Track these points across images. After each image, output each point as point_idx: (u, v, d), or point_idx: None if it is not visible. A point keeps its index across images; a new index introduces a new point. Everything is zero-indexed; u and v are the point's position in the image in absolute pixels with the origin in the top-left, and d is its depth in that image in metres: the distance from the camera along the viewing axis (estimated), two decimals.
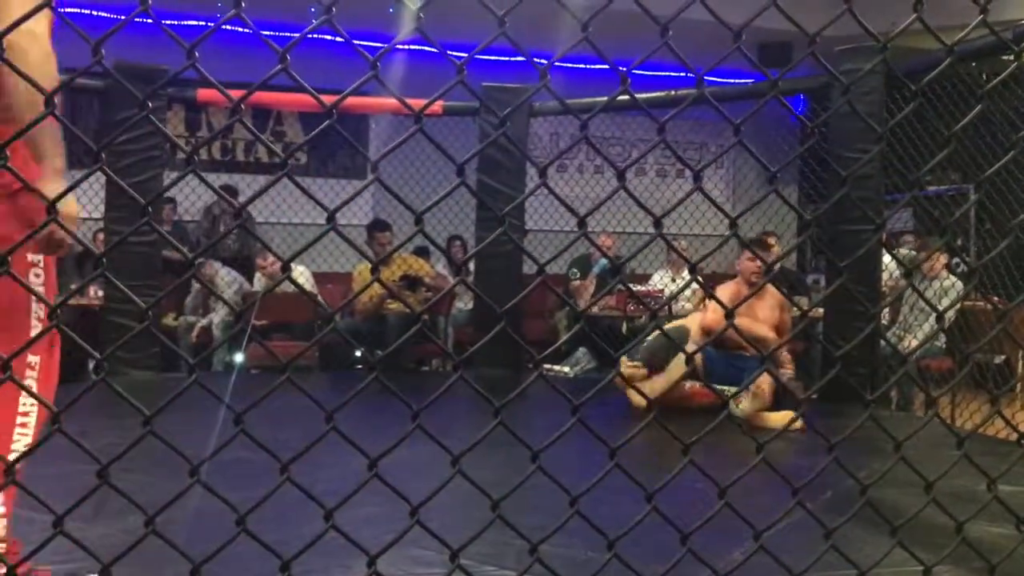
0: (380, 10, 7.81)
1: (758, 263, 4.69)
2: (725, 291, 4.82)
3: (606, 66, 1.20)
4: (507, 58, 8.80)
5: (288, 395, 1.20)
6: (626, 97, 1.31)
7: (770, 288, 4.77)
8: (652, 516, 1.31)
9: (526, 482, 1.29)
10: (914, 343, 5.63)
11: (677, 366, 4.62)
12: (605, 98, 1.35)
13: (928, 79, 1.38)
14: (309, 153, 9.12)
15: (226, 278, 6.93)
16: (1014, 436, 4.34)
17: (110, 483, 1.02)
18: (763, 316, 4.70)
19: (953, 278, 6.06)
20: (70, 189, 1.12)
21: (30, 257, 1.86)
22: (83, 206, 6.47)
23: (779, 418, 4.42)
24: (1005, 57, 4.69)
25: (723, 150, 10.19)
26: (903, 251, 6.54)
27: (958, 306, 5.54)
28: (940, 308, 5.68)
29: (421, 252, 7.20)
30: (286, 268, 1.07)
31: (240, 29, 8.56)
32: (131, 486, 1.12)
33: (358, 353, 6.32)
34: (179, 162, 8.43)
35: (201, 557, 1.14)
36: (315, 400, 1.15)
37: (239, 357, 6.08)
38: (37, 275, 1.88)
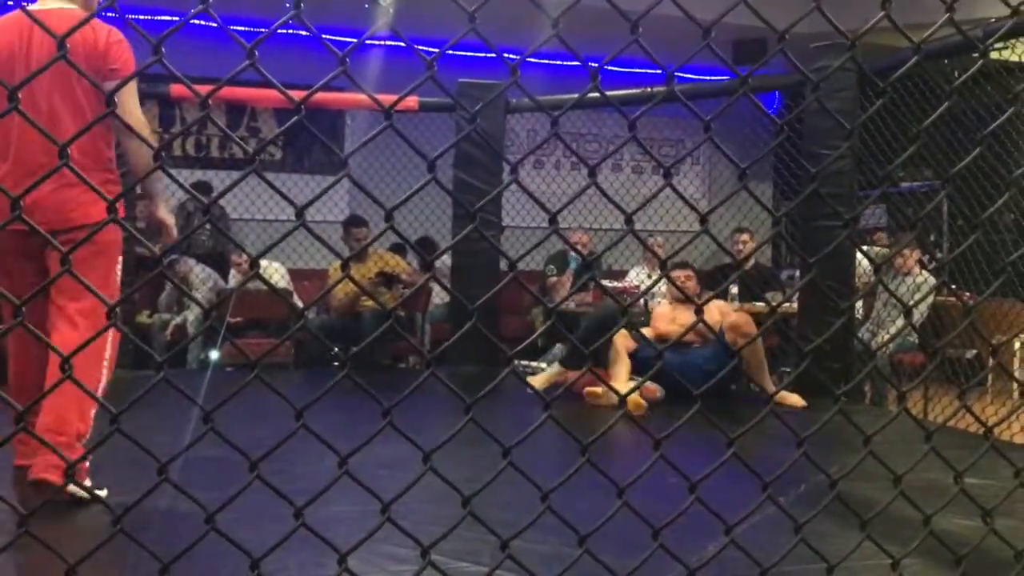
0: (356, 5, 7.78)
1: (680, 279, 5.32)
2: (659, 310, 5.47)
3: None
4: (487, 55, 8.80)
5: (265, 393, 1.19)
6: (598, 94, 1.31)
7: (703, 299, 5.04)
8: (625, 511, 1.32)
9: (501, 478, 1.29)
10: (887, 338, 5.69)
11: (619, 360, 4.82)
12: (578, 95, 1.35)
13: (896, 76, 1.40)
14: (284, 148, 9.06)
15: (200, 275, 6.87)
16: (982, 428, 4.39)
17: (77, 482, 1.01)
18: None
19: (926, 274, 6.11)
20: (39, 182, 1.11)
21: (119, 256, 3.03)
22: None
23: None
24: (977, 55, 4.73)
25: (693, 147, 10.21)
26: (876, 249, 6.59)
27: (930, 302, 5.61)
28: (902, 300, 5.76)
29: (398, 248, 7.17)
30: (255, 265, 1.07)
31: (215, 25, 8.47)
32: (101, 485, 1.11)
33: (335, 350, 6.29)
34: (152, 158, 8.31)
35: (171, 556, 1.13)
36: (285, 398, 1.15)
37: (214, 355, 6.04)
38: (119, 269, 3.03)
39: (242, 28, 7.50)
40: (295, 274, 7.43)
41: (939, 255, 7.21)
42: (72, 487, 2.07)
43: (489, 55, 8.81)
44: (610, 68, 1.24)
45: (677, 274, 5.36)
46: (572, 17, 1.22)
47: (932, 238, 7.51)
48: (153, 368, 6.24)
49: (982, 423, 1.64)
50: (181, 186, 1.15)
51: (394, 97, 1.20)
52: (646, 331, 5.07)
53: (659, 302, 6.08)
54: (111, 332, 2.71)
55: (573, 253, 7.32)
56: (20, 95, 0.87)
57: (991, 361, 5.69)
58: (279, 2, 7.92)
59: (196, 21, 1.08)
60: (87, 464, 2.58)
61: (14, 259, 2.81)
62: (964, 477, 1.61)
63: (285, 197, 1.11)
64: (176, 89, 6.27)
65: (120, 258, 3.01)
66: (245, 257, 6.77)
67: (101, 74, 2.75)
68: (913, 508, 1.56)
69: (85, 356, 2.13)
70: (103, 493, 2.51)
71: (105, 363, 2.86)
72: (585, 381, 4.76)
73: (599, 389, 4.64)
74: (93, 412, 2.70)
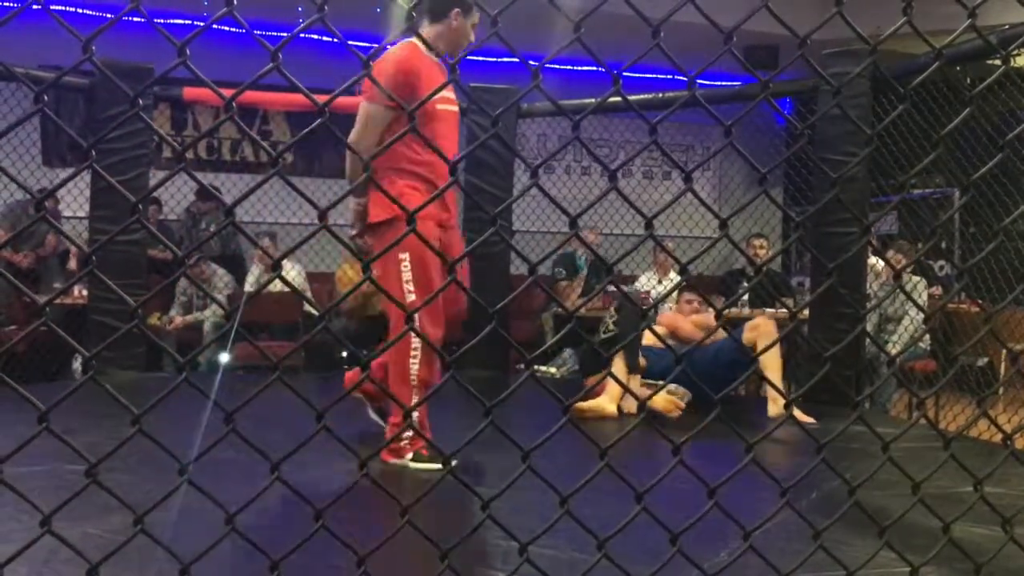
0: (366, 10, 7.80)
1: (694, 305, 5.33)
2: (664, 318, 5.38)
3: (594, 68, 1.21)
4: (493, 59, 8.81)
5: (271, 396, 1.19)
6: (616, 99, 1.31)
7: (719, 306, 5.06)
8: (626, 515, 1.31)
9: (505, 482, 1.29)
10: (890, 348, 5.67)
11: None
12: (593, 99, 1.36)
13: (917, 82, 1.39)
14: (295, 153, 9.09)
15: (224, 278, 6.92)
16: (994, 437, 4.35)
17: (99, 482, 1.02)
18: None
19: (916, 278, 6.09)
20: (56, 188, 1.11)
21: (399, 255, 3.23)
22: (67, 204, 6.44)
23: (662, 401, 4.47)
24: (989, 61, 4.73)
25: (712, 152, 10.18)
26: (871, 261, 6.57)
27: (924, 302, 5.60)
28: (907, 309, 5.75)
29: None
30: (277, 267, 1.07)
31: (226, 28, 8.54)
32: (115, 485, 1.11)
33: (344, 353, 6.30)
34: (165, 161, 8.37)
35: (185, 556, 1.13)
36: (306, 400, 1.15)
37: (224, 357, 6.06)
38: (405, 267, 3.24)
39: (254, 32, 7.50)
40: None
41: (951, 261, 7.19)
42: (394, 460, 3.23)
43: (495, 59, 8.83)
44: (620, 74, 1.24)
45: (690, 298, 5.42)
46: (586, 22, 1.22)
47: (944, 245, 7.49)
48: (165, 370, 6.28)
49: (1002, 431, 1.63)
50: (205, 188, 1.15)
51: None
52: (658, 329, 5.05)
53: (670, 307, 6.09)
54: (425, 326, 3.19)
55: (581, 256, 7.31)
56: None
57: (1004, 368, 5.67)
58: (291, 7, 7.96)
59: (199, 23, 1.08)
60: (402, 441, 3.21)
61: None
62: (973, 485, 1.60)
63: (309, 201, 1.12)
64: (189, 92, 6.29)
65: (402, 256, 3.25)
66: (269, 244, 6.80)
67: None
68: (925, 516, 1.55)
69: (396, 349, 3.23)
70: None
71: (414, 353, 3.23)
72: (599, 389, 4.73)
73: (585, 405, 4.59)
74: (411, 393, 3.20)
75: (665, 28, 1.23)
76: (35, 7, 0.94)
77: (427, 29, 3.36)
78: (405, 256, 3.23)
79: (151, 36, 1.11)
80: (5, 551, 1.19)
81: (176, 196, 7.44)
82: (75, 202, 6.31)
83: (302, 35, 1.11)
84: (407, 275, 3.23)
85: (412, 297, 3.22)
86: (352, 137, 3.29)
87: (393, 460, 3.22)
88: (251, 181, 8.49)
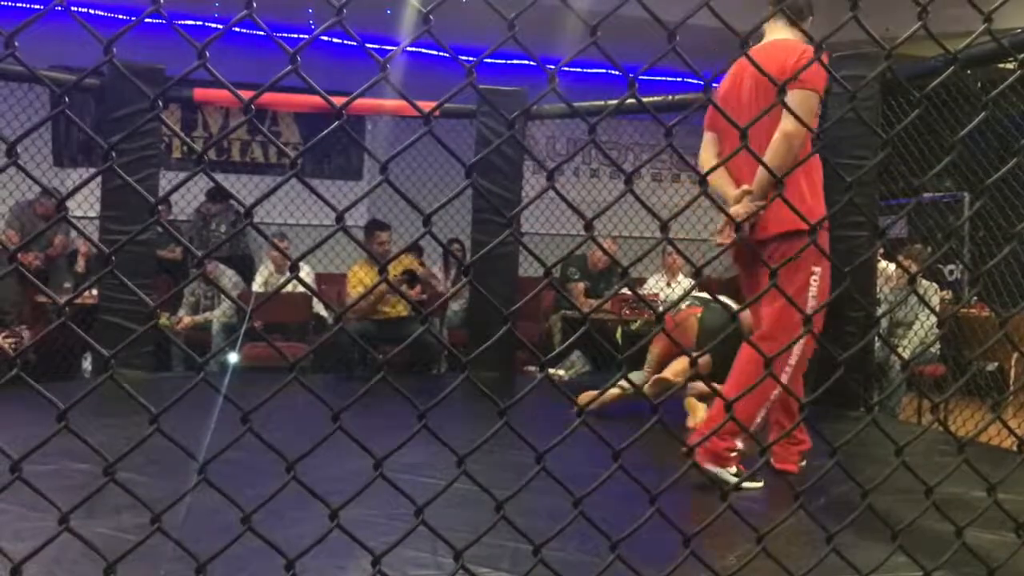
0: (377, 12, 7.81)
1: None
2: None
3: (602, 70, 1.21)
4: (501, 61, 8.82)
5: (276, 396, 1.20)
6: (628, 101, 1.31)
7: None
8: (634, 517, 1.31)
9: (516, 484, 1.29)
10: (900, 352, 5.66)
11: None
12: (601, 102, 1.36)
13: (932, 87, 1.39)
14: (304, 154, 9.12)
15: (233, 279, 6.94)
16: (1003, 443, 4.31)
17: (117, 481, 1.02)
18: None
19: (926, 283, 6.07)
20: (77, 189, 1.12)
21: (813, 268, 3.11)
22: (78, 204, 6.46)
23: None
24: (1001, 65, 4.72)
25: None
26: (883, 265, 6.56)
27: (937, 307, 5.59)
28: (919, 316, 5.73)
29: (410, 251, 7.21)
30: (295, 268, 1.08)
31: (235, 29, 8.52)
32: (126, 485, 1.11)
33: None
34: (175, 162, 8.39)
35: (194, 556, 1.14)
36: (324, 400, 1.15)
37: (233, 357, 6.08)
38: (815, 280, 3.12)
39: (262, 35, 7.52)
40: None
41: (963, 263, 7.17)
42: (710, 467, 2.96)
43: (502, 61, 8.83)
44: (616, 74, 1.25)
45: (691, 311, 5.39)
46: (592, 23, 1.23)
47: (953, 248, 7.46)
48: (173, 370, 6.32)
49: (1017, 436, 1.62)
50: (222, 189, 1.16)
51: (423, 104, 1.21)
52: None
53: (679, 310, 6.08)
54: (803, 340, 2.95)
55: (596, 259, 7.30)
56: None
57: (1014, 373, 5.64)
58: (301, 10, 7.98)
59: (215, 27, 1.09)
60: (731, 453, 2.99)
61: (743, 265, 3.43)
62: (986, 490, 1.60)
63: (327, 202, 1.12)
64: (199, 93, 6.30)
65: (816, 269, 3.14)
66: (285, 244, 6.82)
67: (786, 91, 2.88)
68: (936, 520, 1.55)
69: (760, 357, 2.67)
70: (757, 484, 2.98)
71: (787, 369, 3.09)
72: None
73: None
74: (759, 411, 3.02)
75: (678, 30, 1.24)
76: (58, 8, 0.95)
77: (793, 30, 2.95)
78: (818, 270, 3.15)
79: (158, 37, 1.12)
80: (17, 548, 1.20)
81: (186, 196, 7.46)
82: (86, 202, 6.33)
83: (308, 37, 1.12)
84: (814, 289, 3.13)
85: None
86: (792, 129, 2.94)
87: (710, 466, 2.96)
88: (260, 182, 8.50)
